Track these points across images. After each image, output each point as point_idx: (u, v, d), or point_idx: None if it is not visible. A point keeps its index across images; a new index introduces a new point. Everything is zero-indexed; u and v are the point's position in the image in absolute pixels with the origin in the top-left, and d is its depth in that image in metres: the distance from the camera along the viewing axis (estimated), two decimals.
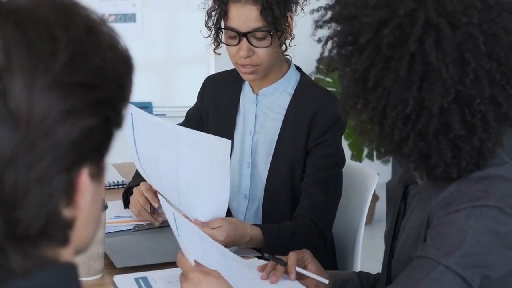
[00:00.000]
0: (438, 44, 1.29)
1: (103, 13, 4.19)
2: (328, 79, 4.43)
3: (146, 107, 4.22)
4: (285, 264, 1.73)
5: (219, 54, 2.19)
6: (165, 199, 1.66)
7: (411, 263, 1.41)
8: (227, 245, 1.92)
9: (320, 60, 1.44)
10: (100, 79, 0.76)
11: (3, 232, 0.74)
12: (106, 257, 1.84)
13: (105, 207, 1.80)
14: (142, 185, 2.12)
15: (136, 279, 1.76)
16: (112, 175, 2.53)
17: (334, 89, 4.29)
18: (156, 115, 4.18)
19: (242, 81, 2.23)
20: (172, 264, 1.62)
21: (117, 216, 2.16)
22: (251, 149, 2.19)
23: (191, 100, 2.38)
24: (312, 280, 1.74)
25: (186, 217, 1.92)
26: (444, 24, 1.29)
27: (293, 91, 2.17)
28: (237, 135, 2.21)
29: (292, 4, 2.08)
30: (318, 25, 1.41)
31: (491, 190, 1.36)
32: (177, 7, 4.27)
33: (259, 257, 1.91)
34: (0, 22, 0.73)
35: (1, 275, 0.76)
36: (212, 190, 1.93)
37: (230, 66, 2.22)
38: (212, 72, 3.84)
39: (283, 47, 2.13)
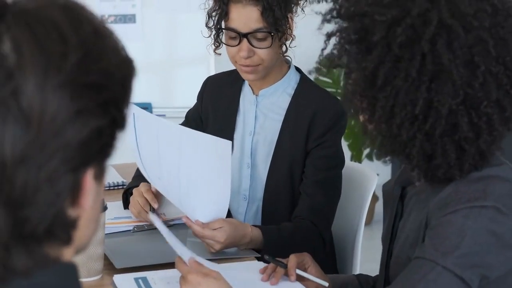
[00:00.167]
0: (449, 45, 1.30)
1: (103, 13, 4.20)
2: (327, 80, 4.43)
3: (145, 107, 4.22)
4: (285, 266, 1.73)
5: (220, 54, 2.19)
6: (157, 216, 1.67)
7: (410, 264, 1.41)
8: (227, 246, 1.92)
9: (321, 57, 1.43)
10: (108, 80, 0.77)
11: (11, 231, 0.74)
12: (105, 258, 1.84)
13: (105, 208, 1.80)
14: (141, 186, 2.12)
15: (136, 279, 1.76)
16: (111, 176, 2.53)
17: (333, 90, 4.29)
18: (155, 115, 4.18)
19: (242, 81, 2.23)
20: (172, 265, 1.62)
21: (116, 217, 2.16)
22: (251, 149, 2.19)
23: (191, 100, 2.38)
24: (312, 283, 1.74)
25: (186, 217, 1.93)
26: (457, 26, 1.29)
27: (293, 92, 2.18)
28: (237, 135, 2.21)
29: (292, 5, 2.08)
30: (327, 19, 1.40)
31: (488, 191, 1.36)
32: (176, 7, 4.27)
33: (258, 259, 1.91)
34: (10, 22, 0.74)
35: (4, 274, 0.76)
36: (213, 191, 1.93)
37: (230, 66, 2.22)
38: (212, 72, 3.85)
39: (284, 48, 2.13)
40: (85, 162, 0.77)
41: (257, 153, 2.19)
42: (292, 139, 2.13)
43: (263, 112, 2.20)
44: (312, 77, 2.21)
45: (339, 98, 2.28)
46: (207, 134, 1.93)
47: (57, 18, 0.75)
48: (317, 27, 1.40)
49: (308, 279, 1.74)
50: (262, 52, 2.06)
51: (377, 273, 1.68)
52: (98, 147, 0.78)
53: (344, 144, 2.85)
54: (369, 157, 4.44)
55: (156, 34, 4.38)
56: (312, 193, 2.09)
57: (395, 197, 1.57)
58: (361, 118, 1.43)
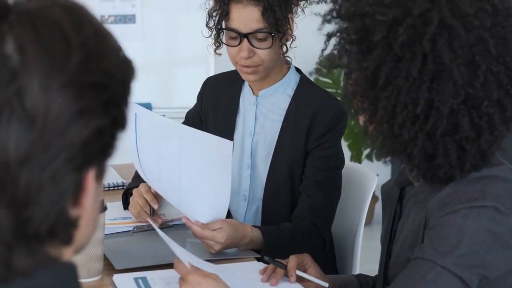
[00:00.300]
0: (450, 45, 1.30)
1: (103, 14, 4.20)
2: (327, 80, 4.43)
3: (145, 107, 4.22)
4: (285, 267, 1.73)
5: (220, 54, 2.18)
6: (156, 226, 1.67)
7: (409, 265, 1.41)
8: (227, 246, 1.92)
9: (321, 58, 1.43)
10: (109, 80, 0.78)
11: (14, 231, 0.74)
12: (105, 258, 1.84)
13: (105, 208, 1.79)
14: (141, 186, 2.12)
15: (136, 279, 1.76)
16: (111, 177, 2.53)
17: (333, 90, 4.29)
18: (158, 114, 4.18)
19: (241, 82, 2.23)
20: (171, 266, 1.62)
21: (116, 217, 2.15)
22: (250, 150, 2.19)
23: (191, 101, 2.38)
24: (312, 284, 1.74)
25: (186, 218, 1.93)
26: (458, 26, 1.29)
27: (292, 93, 2.18)
28: (236, 136, 2.21)
29: (292, 6, 2.08)
30: (327, 19, 1.40)
31: (487, 191, 1.36)
32: (176, 7, 4.27)
33: (258, 259, 1.91)
34: (13, 23, 0.74)
35: (6, 274, 0.76)
36: (213, 191, 1.92)
37: (230, 66, 2.22)
38: (212, 73, 3.85)
39: (284, 49, 2.13)
40: (87, 162, 0.77)
41: (257, 153, 2.19)
42: (292, 139, 2.13)
43: (263, 113, 2.20)
44: (312, 77, 2.21)
45: (339, 98, 2.28)
46: (209, 134, 1.93)
47: (59, 18, 0.76)
48: (318, 28, 1.40)
49: (308, 280, 1.74)
50: (263, 53, 2.06)
51: (377, 273, 1.68)
52: (100, 147, 0.78)
53: (344, 145, 2.85)
54: (369, 157, 4.44)
55: (156, 34, 4.38)
56: (312, 193, 2.09)
57: (394, 197, 1.57)
58: (361, 118, 1.43)
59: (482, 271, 1.35)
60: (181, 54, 4.47)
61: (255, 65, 2.08)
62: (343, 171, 2.16)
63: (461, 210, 1.35)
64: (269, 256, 1.76)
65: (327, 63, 1.42)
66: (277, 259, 1.75)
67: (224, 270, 1.72)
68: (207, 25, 2.13)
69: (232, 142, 1.82)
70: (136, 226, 2.10)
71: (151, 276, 1.78)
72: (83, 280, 1.73)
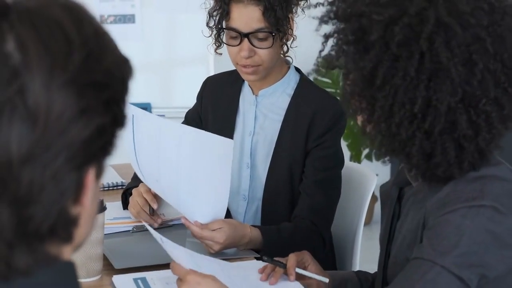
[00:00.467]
0: (447, 43, 1.30)
1: (102, 13, 4.19)
2: (326, 80, 4.44)
3: (145, 107, 4.22)
4: (284, 266, 1.73)
5: (221, 54, 2.18)
6: (152, 227, 1.67)
7: (408, 264, 1.41)
8: (226, 246, 1.92)
9: (319, 59, 1.43)
10: (109, 79, 0.78)
11: (15, 230, 0.74)
12: (105, 258, 1.84)
13: (104, 208, 1.79)
14: (141, 186, 2.12)
15: (135, 280, 1.76)
16: (111, 176, 2.53)
17: (333, 90, 4.29)
18: (156, 115, 4.18)
19: (241, 82, 2.23)
20: None
21: (116, 217, 2.15)
22: (250, 150, 2.19)
23: (190, 100, 2.38)
24: (313, 281, 1.74)
25: (185, 218, 1.93)
26: (454, 24, 1.30)
27: (292, 92, 2.18)
28: (236, 135, 2.21)
29: (292, 6, 2.08)
30: (324, 20, 1.40)
31: (486, 190, 1.36)
32: (176, 7, 4.27)
33: (258, 259, 1.91)
34: (14, 21, 0.74)
35: (7, 273, 0.76)
36: (212, 191, 1.92)
37: (229, 66, 2.22)
38: (212, 72, 3.85)
39: (285, 48, 2.13)
40: (88, 161, 0.77)
41: (257, 153, 2.19)
42: (292, 139, 2.13)
43: (263, 112, 2.20)
44: (311, 77, 2.21)
45: (338, 98, 2.28)
46: (210, 133, 1.93)
47: (59, 18, 0.76)
48: (315, 29, 1.41)
49: (308, 277, 1.74)
50: (263, 52, 2.06)
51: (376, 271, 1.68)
52: (100, 145, 0.78)
53: (343, 144, 2.85)
54: (368, 157, 4.44)
55: (156, 34, 4.38)
56: (312, 193, 2.09)
57: (393, 198, 1.57)
58: (359, 118, 1.43)
59: (481, 270, 1.35)
60: (181, 54, 4.46)
61: (255, 65, 2.08)
62: (342, 171, 2.16)
63: (460, 210, 1.35)
64: (268, 256, 1.76)
65: (325, 64, 1.42)
66: (276, 258, 1.75)
67: (223, 269, 1.72)
68: (207, 24, 2.13)
69: (233, 141, 1.82)
70: (136, 226, 2.10)
71: (151, 276, 1.78)
72: (82, 280, 1.73)
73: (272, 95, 2.19)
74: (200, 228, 1.90)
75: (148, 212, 2.09)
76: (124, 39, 4.13)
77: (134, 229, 2.09)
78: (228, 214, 2.15)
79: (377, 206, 4.94)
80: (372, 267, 1.91)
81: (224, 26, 2.10)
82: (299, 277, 1.73)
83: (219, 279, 1.49)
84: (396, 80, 1.32)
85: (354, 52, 1.35)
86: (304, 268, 1.75)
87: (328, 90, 3.27)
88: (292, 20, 2.09)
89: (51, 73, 0.73)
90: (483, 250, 1.34)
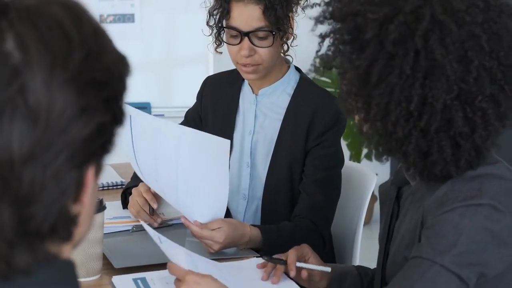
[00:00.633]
0: (442, 41, 1.30)
1: (102, 13, 4.19)
2: (326, 79, 4.43)
3: (144, 107, 4.22)
4: (284, 263, 1.73)
5: (221, 53, 2.18)
6: (148, 225, 1.67)
7: (407, 264, 1.41)
8: (226, 246, 1.92)
9: (316, 59, 1.43)
10: (109, 77, 0.78)
11: (15, 229, 0.74)
12: (104, 257, 1.84)
13: (104, 207, 1.79)
14: (141, 186, 2.12)
15: (135, 280, 1.76)
16: (110, 176, 2.53)
17: (332, 89, 4.29)
18: (154, 115, 4.17)
19: (241, 81, 2.23)
20: None
21: (115, 216, 2.15)
22: (250, 149, 2.19)
23: (190, 100, 2.38)
24: (315, 272, 1.74)
25: (185, 218, 1.92)
26: (449, 22, 1.30)
27: (292, 91, 2.18)
28: (236, 135, 2.21)
29: (293, 5, 2.08)
30: (319, 20, 1.41)
31: (484, 189, 1.37)
32: (175, 7, 4.27)
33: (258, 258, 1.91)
34: (13, 20, 0.74)
35: (7, 272, 0.76)
36: (211, 190, 1.92)
37: (229, 66, 2.22)
38: (211, 72, 3.85)
39: (285, 47, 2.13)
40: (88, 159, 0.77)
41: (257, 152, 2.19)
42: (292, 138, 2.13)
43: (263, 112, 2.20)
44: (310, 76, 2.21)
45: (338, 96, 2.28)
46: (206, 133, 1.93)
47: (59, 16, 0.76)
48: (311, 29, 1.41)
49: (310, 269, 1.74)
50: (263, 51, 2.06)
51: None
52: (100, 144, 0.78)
53: (343, 144, 2.84)
54: (368, 156, 4.44)
55: (155, 33, 4.38)
56: (312, 192, 2.09)
57: (391, 197, 1.57)
58: (356, 118, 1.44)
59: (480, 269, 1.35)
60: (180, 54, 4.46)
61: (255, 64, 2.08)
62: (342, 170, 2.16)
63: (458, 209, 1.35)
64: (267, 256, 1.76)
65: (322, 64, 1.42)
66: (276, 256, 1.75)
67: (221, 268, 1.72)
68: (207, 23, 2.13)
69: (229, 141, 1.81)
70: (135, 225, 2.10)
71: (150, 276, 1.77)
72: (82, 279, 1.73)
73: (272, 94, 2.19)
74: (199, 227, 1.90)
75: (148, 212, 2.09)
76: (124, 39, 4.13)
77: (134, 228, 2.09)
78: (228, 213, 2.15)
79: (377, 205, 4.94)
80: (371, 266, 1.91)
81: (224, 25, 2.10)
82: (299, 271, 1.73)
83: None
84: (391, 78, 1.32)
85: (350, 52, 1.36)
86: (305, 262, 1.75)
87: (328, 89, 3.27)
88: (292, 19, 2.09)
89: (52, 71, 0.73)
90: (482, 248, 1.34)
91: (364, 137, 1.44)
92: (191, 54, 4.39)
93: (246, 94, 2.22)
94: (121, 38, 3.99)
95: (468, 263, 1.34)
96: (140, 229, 2.09)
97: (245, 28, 2.04)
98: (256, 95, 2.20)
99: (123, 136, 0.82)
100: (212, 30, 2.13)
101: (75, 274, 0.82)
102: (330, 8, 1.39)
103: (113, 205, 2.19)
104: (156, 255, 1.87)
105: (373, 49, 1.32)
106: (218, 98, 2.26)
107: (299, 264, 1.73)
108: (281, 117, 2.16)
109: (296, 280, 1.75)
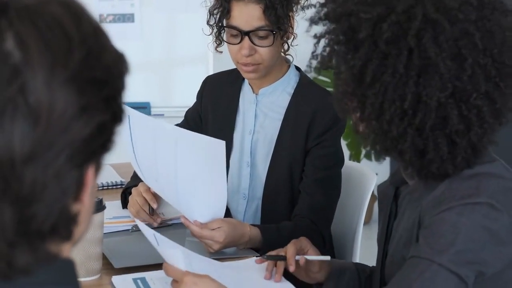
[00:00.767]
0: (435, 39, 1.30)
1: (101, 13, 4.19)
2: (326, 79, 4.43)
3: (144, 107, 4.22)
4: (284, 258, 1.73)
5: (221, 52, 2.18)
6: (144, 223, 1.67)
7: (405, 264, 1.41)
8: (226, 246, 1.92)
9: (312, 60, 1.44)
10: (108, 75, 0.78)
11: (16, 229, 0.74)
12: (104, 257, 1.84)
13: (103, 207, 1.79)
14: (140, 185, 2.11)
15: (135, 280, 1.76)
16: (110, 175, 2.53)
17: (332, 89, 4.29)
18: (154, 115, 4.18)
19: (241, 81, 2.23)
20: None
21: (115, 216, 2.15)
22: (250, 148, 2.19)
23: (190, 100, 2.38)
24: (314, 262, 1.74)
25: (185, 218, 1.92)
26: (442, 20, 1.30)
27: (292, 91, 2.18)
28: (236, 134, 2.21)
29: (293, 4, 2.08)
30: (314, 21, 1.41)
31: (481, 187, 1.37)
32: (175, 7, 4.27)
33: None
34: (13, 19, 0.74)
35: (8, 272, 0.76)
36: (210, 191, 1.92)
37: (228, 66, 2.22)
38: (211, 72, 3.84)
39: (285, 47, 2.13)
40: (89, 158, 0.77)
41: (257, 152, 2.19)
42: (292, 138, 2.13)
43: (263, 111, 2.19)
44: (310, 76, 2.20)
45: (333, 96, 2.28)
46: (201, 135, 1.93)
47: (58, 15, 0.75)
48: (306, 30, 1.42)
49: (308, 261, 1.74)
50: (264, 51, 2.06)
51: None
52: (101, 143, 0.78)
53: (343, 144, 2.84)
54: (368, 156, 4.43)
55: (155, 33, 4.38)
56: (312, 191, 2.09)
57: (389, 197, 1.58)
58: (353, 118, 1.44)
59: (478, 267, 1.35)
60: (180, 54, 4.46)
61: (256, 63, 2.08)
62: (342, 170, 2.16)
63: (456, 207, 1.35)
64: (266, 255, 1.76)
65: (318, 65, 1.43)
66: (275, 252, 1.75)
67: (218, 267, 1.72)
68: (208, 23, 2.13)
69: (224, 142, 1.81)
70: (135, 225, 2.10)
71: (150, 276, 1.77)
72: (81, 279, 1.73)
73: (272, 94, 2.19)
74: (199, 227, 1.90)
75: (148, 212, 2.09)
76: (123, 39, 4.13)
77: (134, 228, 2.09)
78: (228, 213, 2.15)
79: (377, 205, 4.95)
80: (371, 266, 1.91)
81: (224, 24, 2.10)
82: (298, 265, 1.73)
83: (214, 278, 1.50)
84: (385, 77, 1.32)
85: (345, 52, 1.36)
86: (304, 254, 1.75)
87: (328, 89, 3.26)
88: (293, 18, 2.09)
89: (52, 71, 0.73)
90: (480, 247, 1.34)
91: (360, 136, 1.44)
92: (191, 54, 4.39)
93: (246, 94, 2.22)
94: (121, 38, 3.99)
95: (466, 262, 1.34)
96: (140, 229, 2.09)
97: (245, 27, 2.04)
98: (256, 94, 2.20)
99: (122, 136, 0.83)
100: (213, 29, 2.13)
101: (75, 273, 0.82)
102: (325, 9, 1.40)
103: (113, 205, 2.19)
104: (156, 255, 1.87)
105: (367, 49, 1.33)
106: (218, 98, 2.26)
107: (298, 257, 1.73)
108: (281, 116, 2.16)
109: (295, 273, 1.75)
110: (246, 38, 2.05)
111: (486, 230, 1.34)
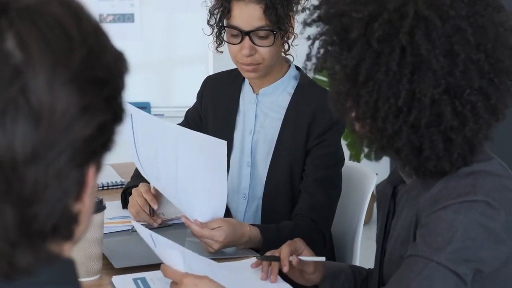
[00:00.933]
0: (427, 36, 1.31)
1: (101, 13, 4.19)
2: (325, 79, 4.43)
3: (144, 107, 4.22)
4: (278, 259, 1.73)
5: (221, 52, 2.18)
6: (140, 224, 1.67)
7: (404, 263, 1.41)
8: (226, 245, 1.92)
9: (306, 61, 1.44)
10: (109, 75, 0.78)
11: (18, 229, 0.74)
12: (104, 257, 1.84)
13: (103, 207, 1.79)
14: (141, 186, 2.11)
15: (135, 280, 1.76)
16: (110, 176, 2.53)
17: None
18: (154, 115, 4.17)
19: (241, 81, 2.23)
20: None
21: (115, 216, 2.15)
22: (250, 148, 2.19)
23: (190, 100, 2.38)
24: (309, 264, 1.74)
25: (185, 217, 1.93)
26: (434, 16, 1.31)
27: (293, 91, 2.18)
28: (237, 134, 2.21)
29: (293, 4, 2.08)
30: (307, 23, 1.42)
31: (478, 185, 1.37)
32: (175, 7, 4.27)
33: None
34: (14, 19, 0.73)
35: (9, 272, 0.76)
36: (210, 191, 1.92)
37: (228, 66, 2.22)
38: (211, 72, 3.85)
39: (286, 47, 2.13)
40: (90, 158, 0.77)
41: (257, 151, 2.19)
42: (292, 137, 2.13)
43: (263, 111, 2.19)
44: (310, 76, 2.21)
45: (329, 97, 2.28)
46: (202, 134, 1.93)
47: (59, 15, 0.75)
48: (299, 32, 1.42)
49: (303, 262, 1.74)
50: (264, 51, 2.06)
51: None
52: (102, 142, 0.78)
53: (343, 144, 2.84)
54: (368, 156, 4.43)
55: (155, 33, 4.38)
56: (312, 191, 2.09)
57: (387, 196, 1.58)
58: (348, 118, 1.44)
59: (476, 265, 1.35)
60: (180, 54, 4.46)
61: (256, 63, 2.08)
62: (342, 170, 2.16)
63: (452, 206, 1.36)
64: (261, 255, 1.76)
65: (313, 66, 1.43)
66: (269, 253, 1.75)
67: (216, 268, 1.71)
68: (208, 22, 2.13)
69: (225, 142, 1.81)
70: None
71: (150, 276, 1.77)
72: (82, 279, 1.73)
73: (272, 94, 2.19)
74: (199, 227, 1.90)
75: (148, 212, 2.09)
76: (123, 39, 4.13)
77: (134, 228, 2.09)
78: (228, 213, 2.15)
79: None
80: (371, 265, 1.91)
81: (225, 24, 2.10)
82: (292, 266, 1.73)
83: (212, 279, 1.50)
84: (379, 75, 1.33)
85: (338, 52, 1.37)
86: (298, 255, 1.75)
87: (328, 89, 3.27)
88: (293, 18, 2.09)
89: (54, 71, 0.73)
90: (478, 245, 1.35)
91: (356, 136, 1.45)
92: (191, 54, 4.39)
93: (246, 94, 2.22)
94: (121, 38, 3.99)
95: (464, 260, 1.34)
96: None
97: (246, 27, 2.04)
98: (256, 94, 2.20)
99: (123, 136, 0.82)
100: (213, 29, 2.13)
101: (76, 273, 0.82)
102: (318, 11, 1.41)
103: (113, 205, 2.19)
104: (156, 255, 1.87)
105: (360, 48, 1.33)
106: (219, 98, 2.26)
107: (291, 258, 1.73)
108: (282, 116, 2.16)
109: (290, 275, 1.75)
110: (247, 38, 2.05)
111: (483, 228, 1.35)
